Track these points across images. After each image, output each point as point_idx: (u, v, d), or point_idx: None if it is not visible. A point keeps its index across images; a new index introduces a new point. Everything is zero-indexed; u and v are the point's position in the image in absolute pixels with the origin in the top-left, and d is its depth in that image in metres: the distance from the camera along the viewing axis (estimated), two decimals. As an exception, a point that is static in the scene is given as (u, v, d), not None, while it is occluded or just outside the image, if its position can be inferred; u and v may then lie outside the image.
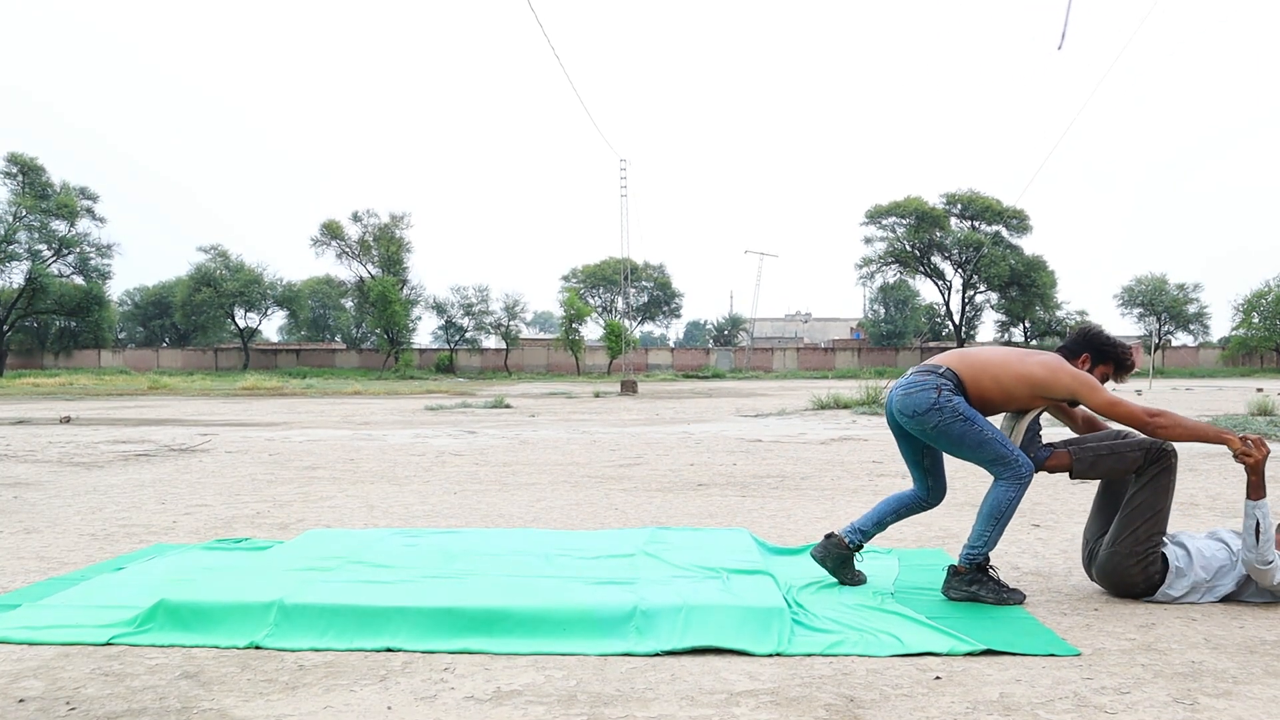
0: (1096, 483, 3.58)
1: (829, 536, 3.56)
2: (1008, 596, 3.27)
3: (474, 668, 2.63)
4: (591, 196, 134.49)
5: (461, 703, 2.36)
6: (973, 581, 3.30)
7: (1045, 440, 3.52)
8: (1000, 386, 3.34)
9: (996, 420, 3.49)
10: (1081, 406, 3.53)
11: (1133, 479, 3.37)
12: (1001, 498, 3.29)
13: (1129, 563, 3.30)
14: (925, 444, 3.52)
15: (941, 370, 3.36)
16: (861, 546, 3.56)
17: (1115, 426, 3.53)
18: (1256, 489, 3.20)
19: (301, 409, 18.33)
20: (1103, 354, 3.46)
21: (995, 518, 3.29)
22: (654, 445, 9.79)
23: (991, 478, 3.36)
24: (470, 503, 5.79)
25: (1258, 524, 3.17)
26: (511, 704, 2.36)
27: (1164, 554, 3.33)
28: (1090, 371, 3.43)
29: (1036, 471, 3.39)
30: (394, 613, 2.92)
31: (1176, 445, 3.38)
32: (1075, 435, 3.59)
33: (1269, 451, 3.26)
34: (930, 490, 3.60)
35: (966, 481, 6.47)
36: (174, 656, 2.72)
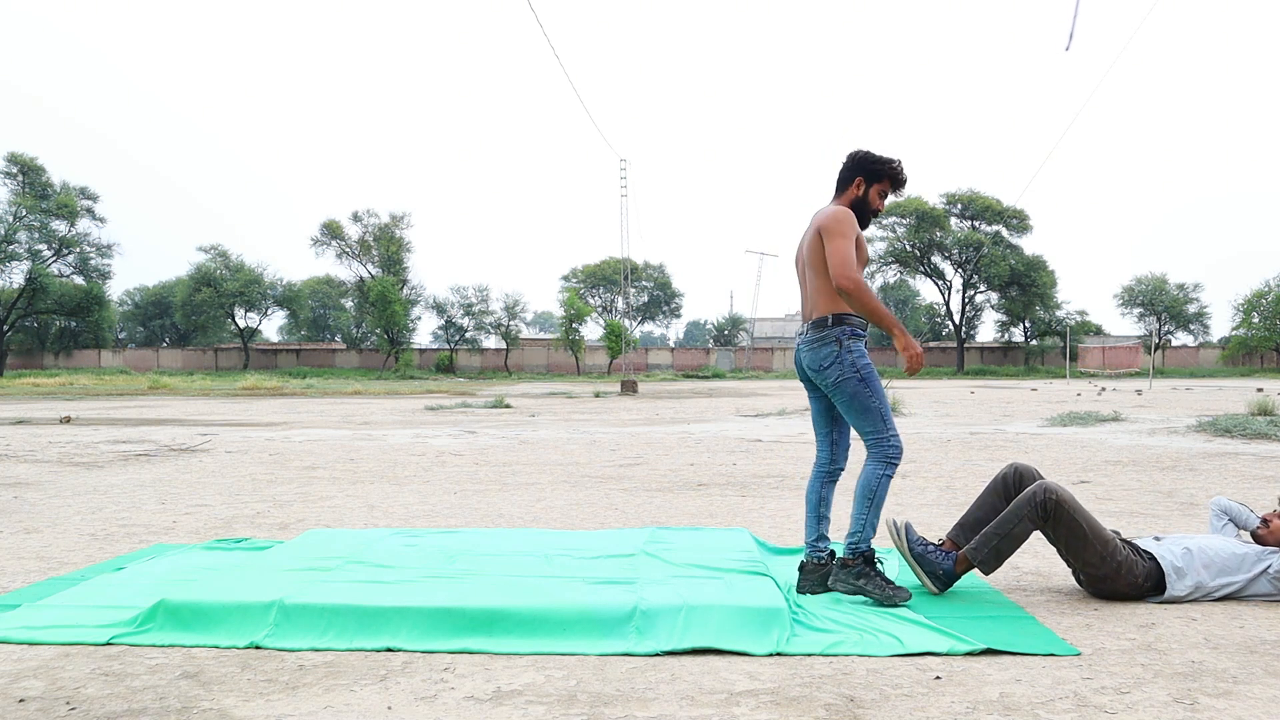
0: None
1: (801, 569, 3.51)
2: (894, 594, 3.24)
3: (474, 668, 2.63)
4: (591, 196, 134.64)
5: (461, 703, 2.36)
6: (859, 575, 3.28)
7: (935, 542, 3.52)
8: (823, 272, 3.34)
9: None
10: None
11: (1046, 532, 3.35)
12: (871, 477, 3.31)
13: (1106, 586, 3.32)
14: (828, 399, 3.50)
15: (828, 321, 3.34)
16: (832, 551, 3.53)
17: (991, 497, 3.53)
18: (912, 363, 3.26)
19: (301, 409, 18.33)
20: (874, 173, 3.44)
21: (868, 499, 3.30)
22: (654, 445, 9.78)
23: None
24: (470, 503, 5.79)
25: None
26: (511, 704, 2.36)
27: (1154, 554, 3.33)
28: (865, 193, 3.44)
29: (948, 586, 3.37)
30: (394, 613, 2.92)
31: (1054, 484, 3.36)
32: (960, 527, 3.53)
33: (920, 353, 3.29)
34: (834, 445, 3.56)
35: (967, 481, 6.47)
36: (174, 656, 2.72)
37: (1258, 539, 3.42)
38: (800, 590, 3.47)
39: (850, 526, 3.36)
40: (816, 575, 3.46)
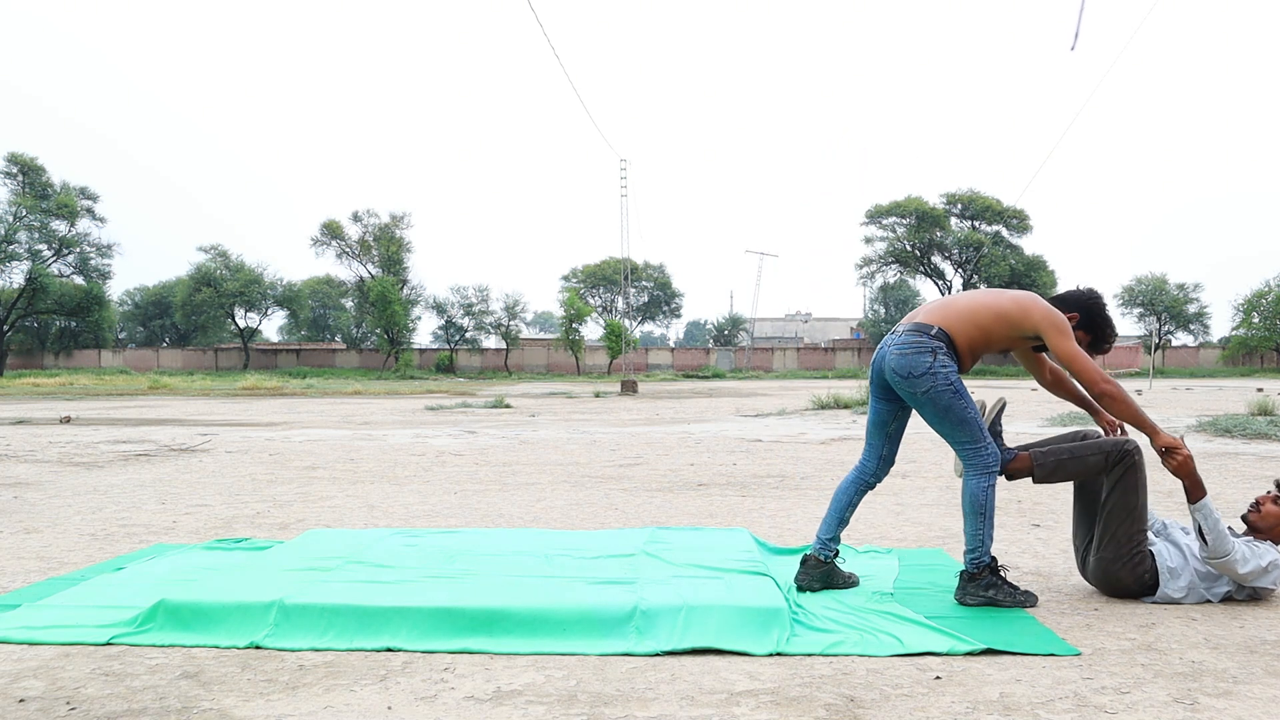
0: (1079, 486, 3.57)
1: (804, 561, 3.52)
2: (1023, 599, 3.25)
3: (474, 668, 2.63)
4: (591, 196, 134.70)
5: (461, 703, 2.36)
6: (988, 586, 3.26)
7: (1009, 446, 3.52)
8: (980, 328, 3.31)
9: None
10: (1051, 362, 3.55)
11: (1103, 481, 3.36)
12: (976, 490, 3.28)
13: (1116, 567, 3.30)
14: (900, 408, 3.49)
15: (934, 331, 3.30)
16: (838, 552, 3.53)
17: (1075, 426, 3.53)
18: (1194, 491, 3.18)
19: (301, 409, 18.33)
20: (1091, 322, 3.43)
21: (979, 513, 3.27)
22: (654, 445, 9.78)
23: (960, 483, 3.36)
24: (470, 503, 5.79)
25: (1199, 527, 3.18)
26: (511, 704, 2.36)
27: (1151, 552, 3.33)
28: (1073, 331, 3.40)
29: (1001, 472, 3.38)
30: (394, 613, 2.92)
31: (1140, 442, 3.38)
32: (1035, 443, 3.54)
33: (1188, 454, 3.21)
34: (882, 459, 3.56)
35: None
36: (174, 656, 2.72)
37: (1248, 524, 3.42)
38: (798, 583, 3.48)
39: (967, 544, 3.30)
40: (818, 572, 3.47)
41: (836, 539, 3.52)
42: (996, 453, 3.31)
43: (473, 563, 3.60)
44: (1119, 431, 3.51)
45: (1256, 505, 3.43)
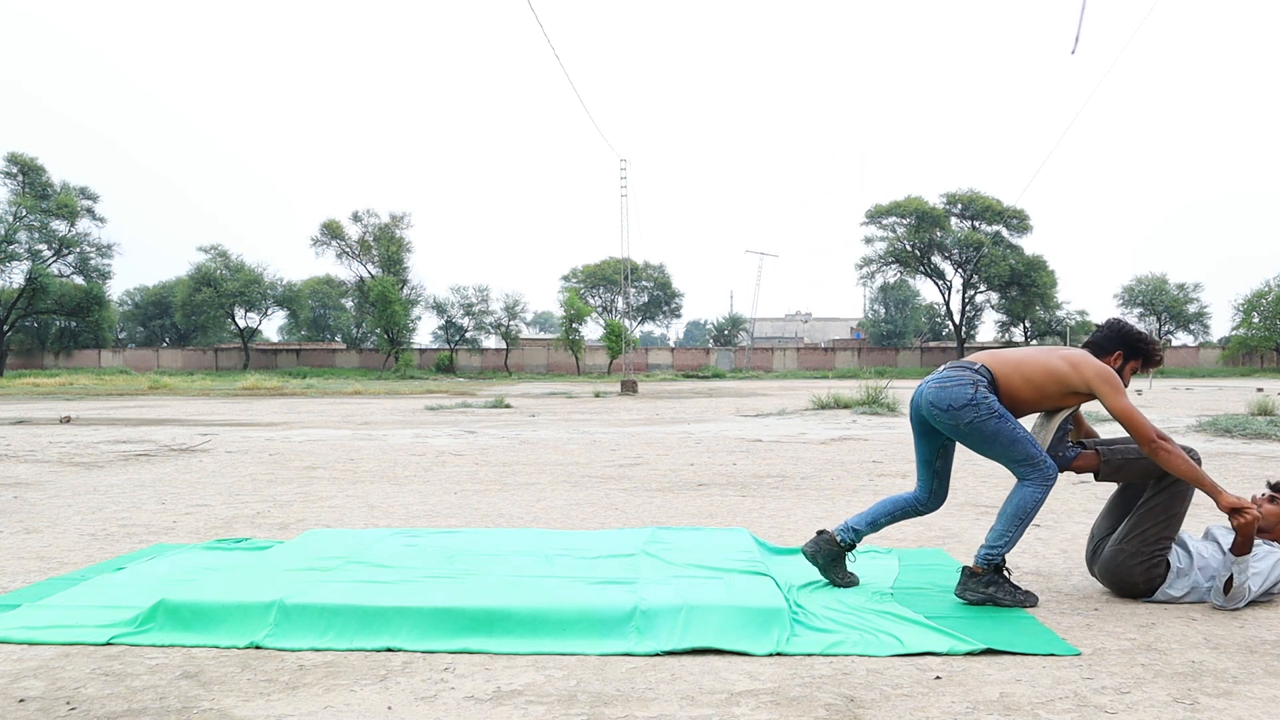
0: (1104, 485, 3.58)
1: (821, 533, 3.56)
2: (1023, 599, 3.25)
3: (474, 668, 2.63)
4: (591, 196, 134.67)
5: (461, 703, 2.36)
6: (989, 583, 3.26)
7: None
8: (1031, 384, 3.31)
9: (1027, 422, 3.49)
10: (1088, 425, 3.60)
11: (1152, 483, 3.37)
12: (1028, 498, 3.26)
13: (1133, 562, 3.30)
14: (940, 445, 3.49)
15: (976, 367, 3.33)
16: (854, 545, 3.54)
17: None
18: (1241, 547, 3.17)
19: (301, 409, 18.33)
20: (1135, 350, 3.45)
21: (1020, 518, 3.26)
22: (654, 445, 9.78)
23: (1013, 480, 3.36)
24: (470, 503, 5.79)
25: (1231, 579, 3.17)
26: (511, 704, 2.36)
27: (1168, 560, 3.34)
28: (1122, 368, 3.43)
29: (1063, 471, 3.39)
30: (394, 613, 2.92)
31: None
32: (1098, 437, 3.56)
33: (1256, 516, 3.15)
34: (933, 494, 3.57)
35: (966, 482, 6.46)
36: (174, 656, 2.72)
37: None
38: (804, 549, 3.56)
39: (989, 539, 3.29)
40: (827, 549, 3.51)
41: (859, 534, 3.55)
42: (1054, 465, 3.31)
43: (473, 563, 3.60)
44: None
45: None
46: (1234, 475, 6.90)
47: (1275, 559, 3.28)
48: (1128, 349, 3.44)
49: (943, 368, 3.44)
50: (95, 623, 2.99)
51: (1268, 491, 3.49)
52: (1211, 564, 3.31)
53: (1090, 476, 3.50)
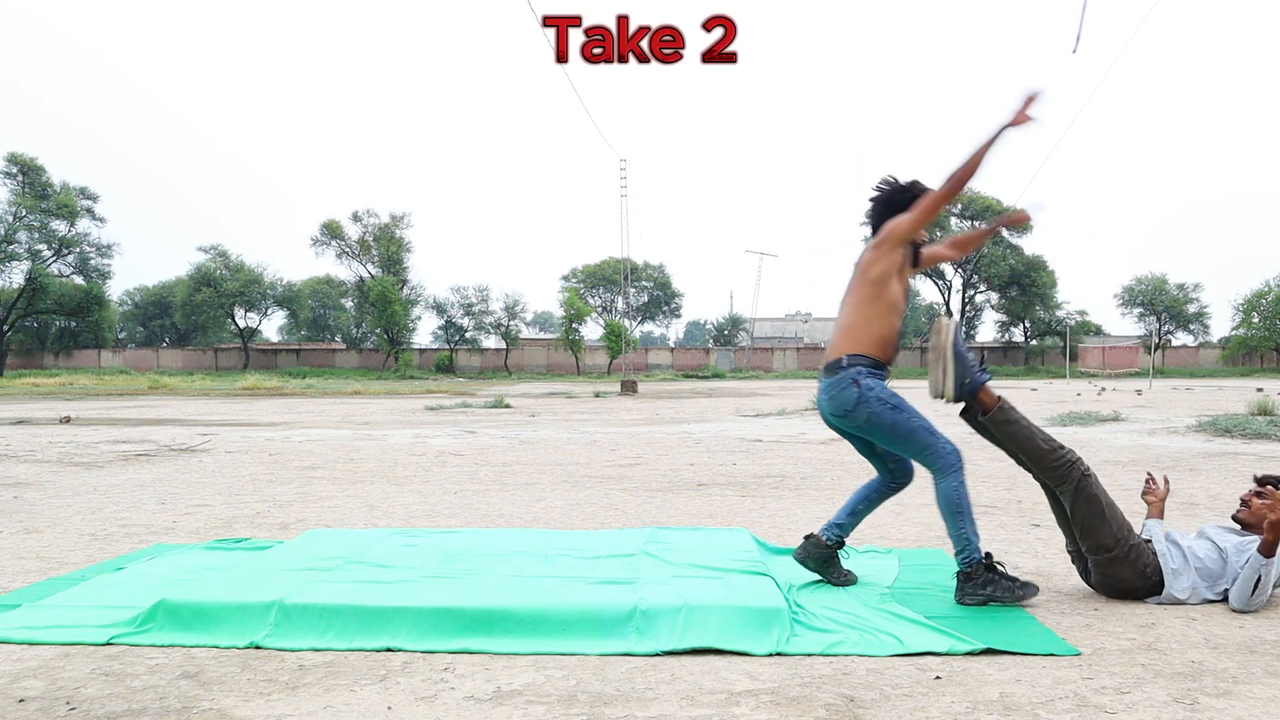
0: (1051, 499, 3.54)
1: (808, 537, 3.55)
2: (1022, 592, 3.24)
3: (474, 668, 2.63)
4: (591, 196, 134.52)
5: (461, 703, 2.36)
6: (985, 583, 3.25)
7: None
8: (865, 316, 3.34)
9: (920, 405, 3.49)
10: (942, 239, 3.65)
11: (1063, 495, 3.36)
12: (949, 492, 3.27)
13: (1115, 568, 3.30)
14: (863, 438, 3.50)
15: (843, 362, 3.33)
16: (842, 543, 3.54)
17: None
18: (1269, 547, 3.16)
19: (301, 409, 18.33)
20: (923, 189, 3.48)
21: (957, 513, 3.27)
22: (654, 445, 9.79)
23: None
24: (470, 503, 5.79)
25: (1259, 579, 3.16)
26: (511, 704, 2.36)
27: (1153, 550, 3.33)
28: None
29: (976, 396, 3.34)
30: (394, 613, 2.92)
31: (1089, 464, 3.42)
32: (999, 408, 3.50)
33: None
34: (893, 474, 3.56)
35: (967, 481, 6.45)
36: (174, 656, 2.72)
37: (1241, 523, 3.42)
38: (795, 555, 3.55)
39: (954, 546, 3.30)
40: (816, 552, 3.51)
41: (844, 527, 3.54)
42: (955, 450, 3.31)
43: (473, 563, 3.60)
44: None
45: (1245, 504, 3.43)
46: (1234, 475, 6.90)
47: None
48: (918, 188, 3.47)
49: (822, 375, 3.43)
50: (95, 623, 2.99)
51: (1255, 486, 3.48)
52: (1208, 563, 3.31)
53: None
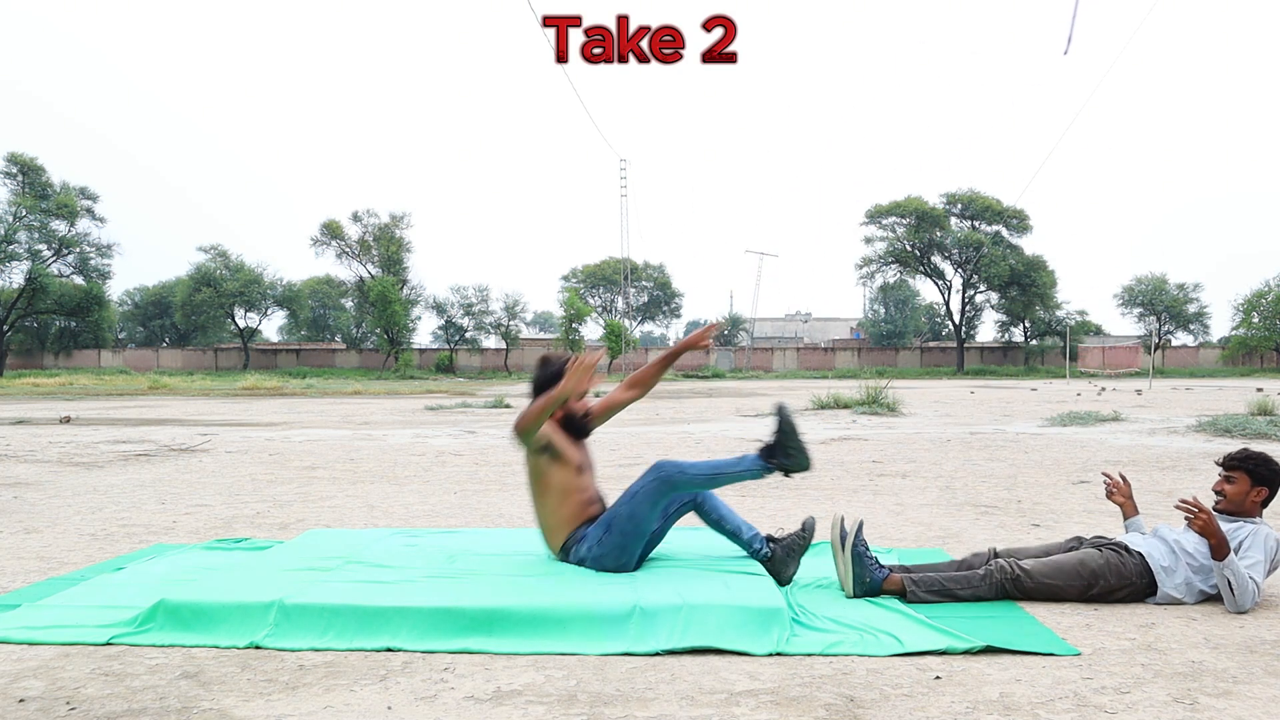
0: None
1: (772, 541, 3.61)
2: (806, 529, 3.49)
3: (474, 668, 2.63)
4: (591, 196, 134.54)
5: (461, 703, 2.36)
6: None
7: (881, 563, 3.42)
8: (546, 511, 3.59)
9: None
10: (591, 397, 3.94)
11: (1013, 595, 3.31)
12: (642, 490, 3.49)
13: (1103, 598, 3.28)
14: (652, 529, 3.55)
15: (569, 550, 3.53)
16: (767, 552, 3.54)
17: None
18: (1217, 550, 3.15)
19: (301, 409, 18.33)
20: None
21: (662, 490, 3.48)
22: (654, 445, 9.79)
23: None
24: (470, 503, 5.79)
25: (1229, 582, 3.15)
26: (511, 704, 2.36)
27: (1142, 553, 3.32)
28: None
29: (876, 592, 3.30)
30: (394, 613, 2.92)
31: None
32: (907, 567, 3.45)
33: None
34: (719, 523, 3.69)
35: (966, 482, 6.46)
36: (174, 656, 2.72)
37: (1222, 513, 3.39)
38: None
39: (745, 533, 3.61)
40: (782, 548, 3.56)
41: (751, 534, 3.64)
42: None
43: (473, 563, 3.60)
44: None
45: (1219, 494, 3.43)
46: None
47: (1262, 537, 3.25)
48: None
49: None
50: (95, 623, 2.99)
51: (1223, 471, 3.47)
52: (1199, 556, 3.29)
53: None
